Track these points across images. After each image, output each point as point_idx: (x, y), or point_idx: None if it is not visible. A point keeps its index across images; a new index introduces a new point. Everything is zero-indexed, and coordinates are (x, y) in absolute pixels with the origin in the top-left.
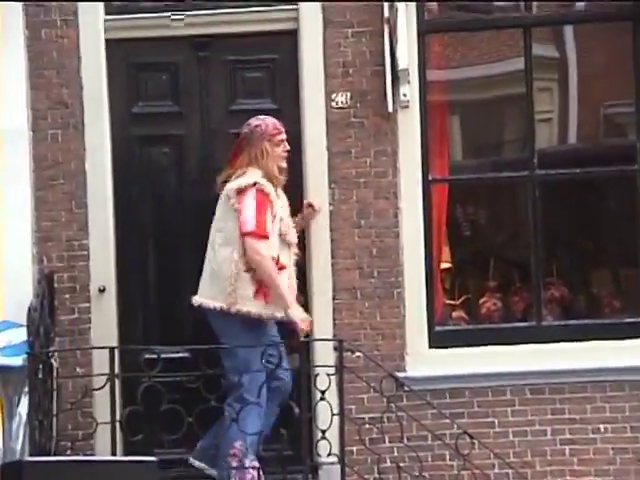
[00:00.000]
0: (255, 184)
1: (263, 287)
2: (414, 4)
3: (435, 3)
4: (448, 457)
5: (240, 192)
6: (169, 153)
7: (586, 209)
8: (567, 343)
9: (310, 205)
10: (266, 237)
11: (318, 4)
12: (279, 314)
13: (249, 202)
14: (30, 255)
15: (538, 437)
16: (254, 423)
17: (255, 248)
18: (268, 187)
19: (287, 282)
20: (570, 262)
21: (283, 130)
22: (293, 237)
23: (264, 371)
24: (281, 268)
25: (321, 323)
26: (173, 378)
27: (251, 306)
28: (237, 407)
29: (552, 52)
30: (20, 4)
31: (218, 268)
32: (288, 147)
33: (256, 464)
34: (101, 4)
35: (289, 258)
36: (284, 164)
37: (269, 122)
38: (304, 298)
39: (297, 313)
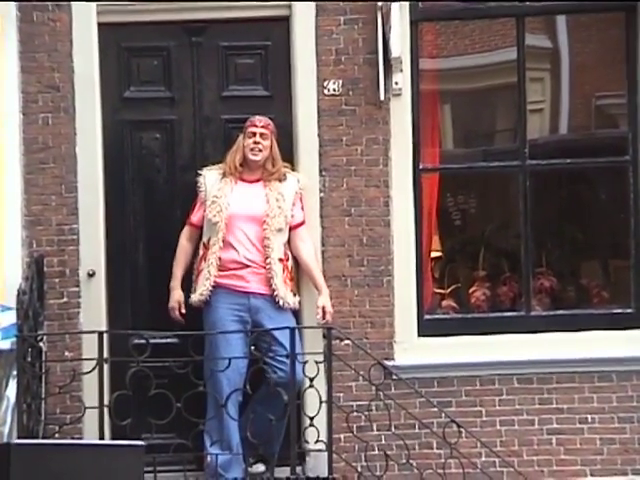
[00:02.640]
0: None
1: (198, 271)
2: None
3: None
4: (435, 445)
5: None
6: (160, 138)
7: (577, 200)
8: (556, 333)
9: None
10: (189, 224)
11: None
12: (194, 297)
13: None
14: (20, 239)
15: (525, 426)
16: (211, 436)
17: None
18: (205, 178)
19: (212, 262)
20: (560, 252)
21: (258, 124)
22: (276, 223)
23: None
24: (209, 249)
25: (311, 310)
26: (162, 363)
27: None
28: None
29: (545, 42)
30: None
31: None
32: (258, 140)
33: None
34: None
35: (219, 239)
36: (252, 156)
37: (251, 117)
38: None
39: (170, 299)
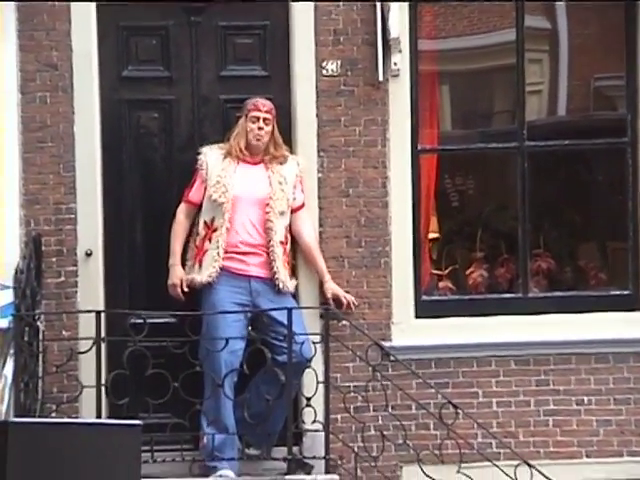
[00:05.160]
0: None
1: (200, 251)
2: None
3: None
4: (432, 426)
5: None
6: (158, 117)
7: (575, 181)
8: (553, 315)
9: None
10: (186, 201)
11: None
12: (198, 277)
13: None
14: (18, 217)
15: (522, 408)
16: (208, 416)
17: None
18: (206, 156)
19: (221, 243)
20: (557, 234)
21: (262, 109)
22: (279, 206)
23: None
24: (214, 230)
25: (308, 291)
26: (159, 343)
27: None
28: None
29: (544, 23)
30: None
31: None
32: (262, 125)
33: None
34: None
35: (225, 221)
36: (255, 142)
37: (254, 99)
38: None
39: (170, 276)
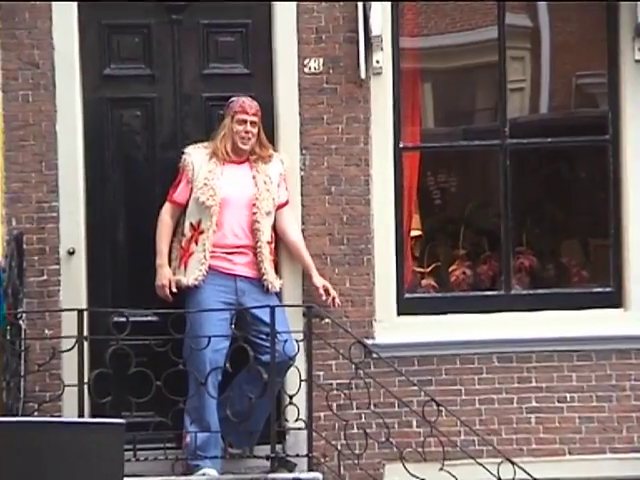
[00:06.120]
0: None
1: (185, 253)
2: None
3: None
4: (415, 424)
5: None
6: (141, 116)
7: (557, 179)
8: (535, 312)
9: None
10: (171, 202)
11: None
12: (184, 279)
13: None
14: None
15: (504, 405)
16: (191, 414)
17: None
18: (191, 157)
19: (207, 246)
20: (540, 231)
21: (249, 111)
22: (266, 206)
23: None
24: (201, 232)
25: (290, 289)
26: (142, 341)
27: (177, 273)
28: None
29: (525, 21)
30: None
31: None
32: (249, 129)
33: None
34: None
35: (213, 224)
36: (242, 145)
37: (241, 100)
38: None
39: (158, 276)
